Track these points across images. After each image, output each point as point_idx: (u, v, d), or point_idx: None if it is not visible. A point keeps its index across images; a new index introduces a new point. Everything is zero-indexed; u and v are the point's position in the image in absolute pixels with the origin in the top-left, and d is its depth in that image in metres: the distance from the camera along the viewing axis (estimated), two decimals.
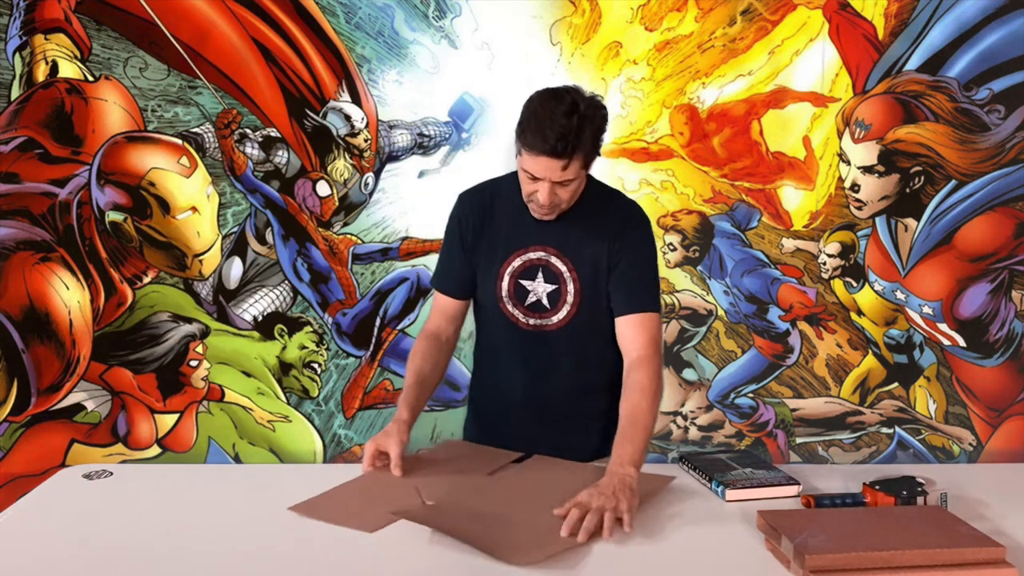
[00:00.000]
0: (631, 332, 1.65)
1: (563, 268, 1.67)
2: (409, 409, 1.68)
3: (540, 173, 1.54)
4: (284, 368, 2.67)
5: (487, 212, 1.71)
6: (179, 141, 2.56)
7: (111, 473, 1.71)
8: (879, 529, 1.33)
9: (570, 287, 1.67)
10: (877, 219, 2.66)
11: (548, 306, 1.69)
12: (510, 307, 1.70)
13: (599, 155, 1.59)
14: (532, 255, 1.68)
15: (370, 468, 1.61)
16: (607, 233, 1.66)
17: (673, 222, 2.66)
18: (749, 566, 1.33)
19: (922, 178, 2.64)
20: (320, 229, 2.62)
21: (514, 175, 1.69)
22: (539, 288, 1.69)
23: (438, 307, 1.80)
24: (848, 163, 2.63)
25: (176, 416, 2.66)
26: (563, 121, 1.48)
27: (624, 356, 1.67)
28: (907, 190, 2.65)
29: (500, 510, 1.46)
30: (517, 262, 1.69)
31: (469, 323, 1.85)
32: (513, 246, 1.69)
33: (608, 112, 1.58)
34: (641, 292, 1.67)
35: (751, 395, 2.74)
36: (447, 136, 2.60)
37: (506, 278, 1.69)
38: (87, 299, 2.59)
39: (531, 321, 1.70)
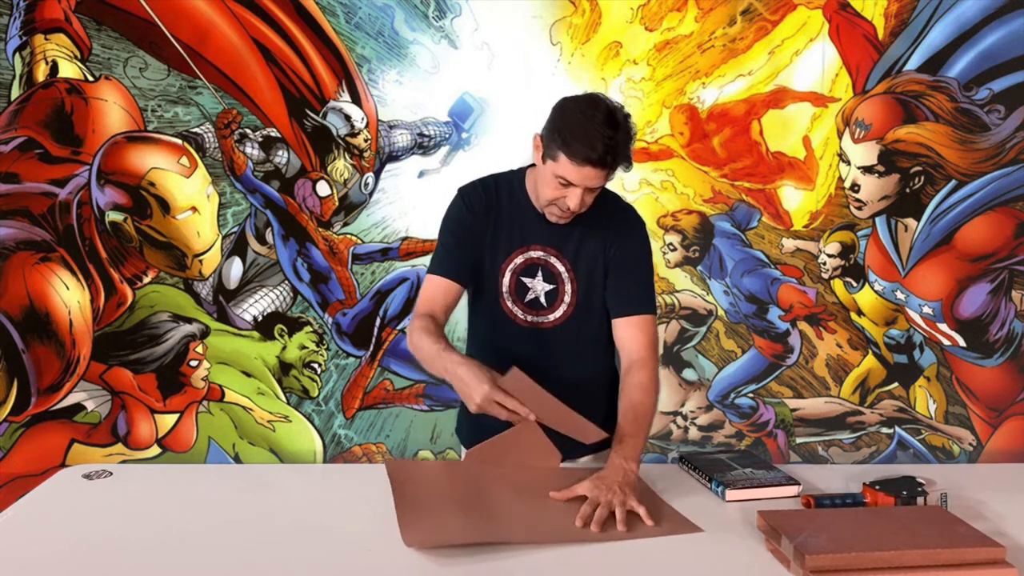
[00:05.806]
0: (630, 333, 1.68)
1: (561, 268, 1.69)
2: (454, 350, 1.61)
3: (579, 181, 1.54)
4: (284, 368, 2.67)
5: (494, 207, 1.71)
6: (179, 141, 2.56)
7: (111, 473, 1.71)
8: (879, 529, 1.33)
9: (567, 287, 1.70)
10: (877, 219, 2.66)
11: (545, 304, 1.71)
12: (509, 303, 1.72)
13: (630, 164, 1.60)
14: (533, 253, 1.70)
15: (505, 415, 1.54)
16: (605, 235, 1.68)
17: (673, 222, 2.65)
18: (749, 566, 1.33)
19: (922, 178, 2.64)
20: (320, 229, 2.62)
21: (511, 174, 1.72)
22: (538, 286, 1.71)
23: (429, 295, 1.71)
24: (848, 163, 2.63)
25: (176, 416, 2.66)
26: (608, 132, 1.50)
27: (623, 356, 1.70)
28: (907, 190, 2.65)
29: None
30: (519, 259, 1.70)
31: (452, 326, 1.82)
32: (516, 243, 1.70)
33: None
34: (639, 295, 1.70)
35: (751, 395, 2.74)
36: (447, 136, 2.59)
37: (507, 275, 1.70)
38: (87, 299, 2.59)
39: (528, 318, 1.72)
